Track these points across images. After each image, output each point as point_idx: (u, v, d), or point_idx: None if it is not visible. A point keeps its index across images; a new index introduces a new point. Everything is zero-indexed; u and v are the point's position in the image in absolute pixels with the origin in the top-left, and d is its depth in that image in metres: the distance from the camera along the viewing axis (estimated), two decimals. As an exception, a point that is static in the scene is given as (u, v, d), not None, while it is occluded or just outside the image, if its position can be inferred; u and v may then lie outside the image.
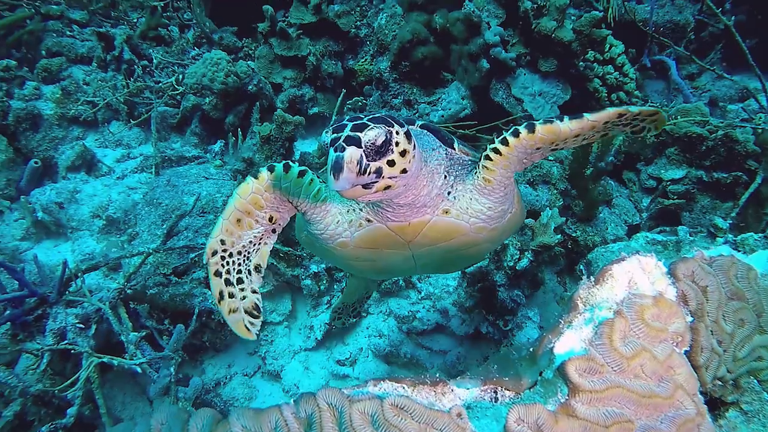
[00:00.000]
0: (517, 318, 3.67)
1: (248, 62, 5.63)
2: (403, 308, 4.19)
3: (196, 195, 3.66)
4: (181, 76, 5.60)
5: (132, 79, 5.75)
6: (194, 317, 3.27)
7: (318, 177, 1.93)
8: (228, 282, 1.93)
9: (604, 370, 0.97)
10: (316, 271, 4.11)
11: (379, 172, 1.57)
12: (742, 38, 6.30)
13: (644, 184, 4.42)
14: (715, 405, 1.31)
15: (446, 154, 1.90)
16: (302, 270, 4.10)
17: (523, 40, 4.43)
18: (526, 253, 3.38)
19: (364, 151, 1.54)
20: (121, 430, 1.13)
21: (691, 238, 3.34)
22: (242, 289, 1.96)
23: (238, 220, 1.91)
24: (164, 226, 3.70)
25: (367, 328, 4.21)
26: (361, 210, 1.90)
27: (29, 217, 4.69)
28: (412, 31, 4.51)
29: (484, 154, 1.83)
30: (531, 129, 1.72)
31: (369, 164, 1.55)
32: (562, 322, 1.09)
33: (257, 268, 2.00)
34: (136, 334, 3.00)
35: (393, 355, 4.05)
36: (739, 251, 3.27)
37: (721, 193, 4.16)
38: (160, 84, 5.64)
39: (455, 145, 1.94)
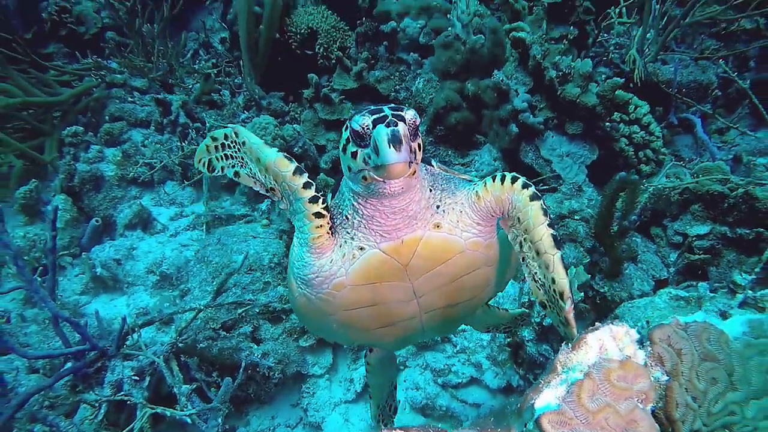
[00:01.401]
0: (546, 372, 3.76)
1: (294, 126, 6.02)
2: (439, 361, 4.33)
3: (244, 253, 3.94)
4: (230, 140, 6.01)
5: (186, 142, 6.21)
6: (241, 370, 3.49)
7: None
8: (220, 147, 2.07)
9: (573, 422, 1.15)
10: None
11: (415, 153, 1.67)
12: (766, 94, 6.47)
13: (671, 240, 4.51)
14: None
15: (426, 169, 1.96)
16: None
17: (549, 104, 4.67)
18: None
19: (408, 127, 1.63)
20: None
21: (711, 295, 3.43)
22: (218, 159, 2.09)
23: (259, 160, 1.92)
24: (214, 283, 3.98)
25: (405, 381, 4.35)
26: (352, 239, 1.91)
27: (89, 273, 5.05)
28: (446, 98, 4.82)
29: (498, 174, 1.92)
30: (512, 181, 1.86)
31: (411, 142, 1.64)
32: (542, 382, 1.26)
33: (236, 174, 2.08)
34: (187, 386, 3.23)
35: (429, 407, 4.17)
36: (760, 306, 3.38)
37: (746, 248, 4.23)
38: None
39: (433, 162, 2.03)
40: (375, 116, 1.63)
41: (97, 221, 5.40)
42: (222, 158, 2.08)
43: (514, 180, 1.88)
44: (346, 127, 1.76)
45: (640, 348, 1.40)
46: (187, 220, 5.56)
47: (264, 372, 3.87)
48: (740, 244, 4.34)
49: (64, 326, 3.70)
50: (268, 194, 2.01)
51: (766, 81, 6.70)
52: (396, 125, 1.58)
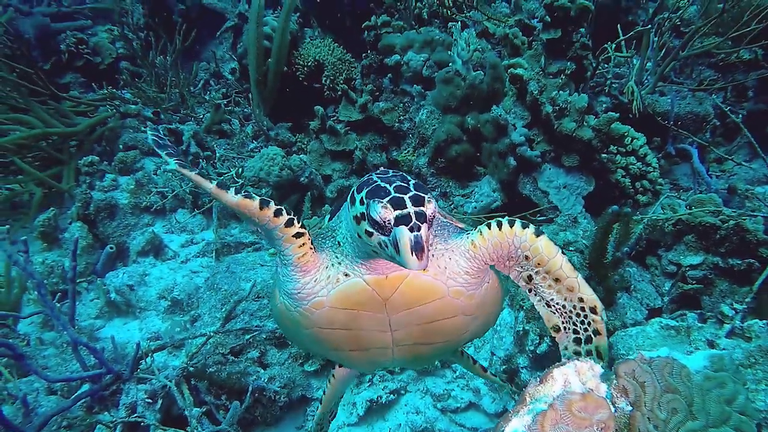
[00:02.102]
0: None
1: (301, 156, 6.24)
2: (439, 386, 4.46)
3: (252, 281, 4.13)
4: (240, 170, 6.25)
5: (197, 171, 6.43)
6: (248, 394, 3.65)
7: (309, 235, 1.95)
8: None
9: None
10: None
11: (428, 239, 1.64)
12: (764, 124, 6.64)
13: (665, 269, 4.64)
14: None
15: None
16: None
17: (546, 138, 4.86)
18: (545, 338, 3.67)
19: (428, 224, 1.61)
20: None
21: (700, 325, 3.57)
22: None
23: (215, 195, 1.87)
24: (223, 310, 4.16)
25: (406, 405, 4.48)
26: (339, 264, 1.93)
27: (103, 298, 5.25)
28: (446, 132, 5.02)
29: (494, 222, 1.95)
30: (510, 224, 1.91)
31: (428, 232, 1.61)
32: (512, 411, 1.42)
33: None
34: (198, 410, 3.40)
35: (428, 431, 4.30)
36: (746, 336, 3.52)
37: (738, 278, 4.35)
38: (223, 176, 6.29)
39: None
40: (397, 213, 1.58)
41: (111, 248, 5.62)
42: None
43: (511, 224, 1.93)
44: (363, 202, 1.68)
45: (603, 382, 1.56)
46: (197, 247, 5.76)
47: (270, 396, 4.02)
48: (732, 274, 4.46)
49: (81, 350, 3.89)
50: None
51: (763, 111, 6.89)
52: (419, 229, 1.55)
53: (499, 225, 1.93)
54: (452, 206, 5.11)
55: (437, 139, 5.07)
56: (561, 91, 4.91)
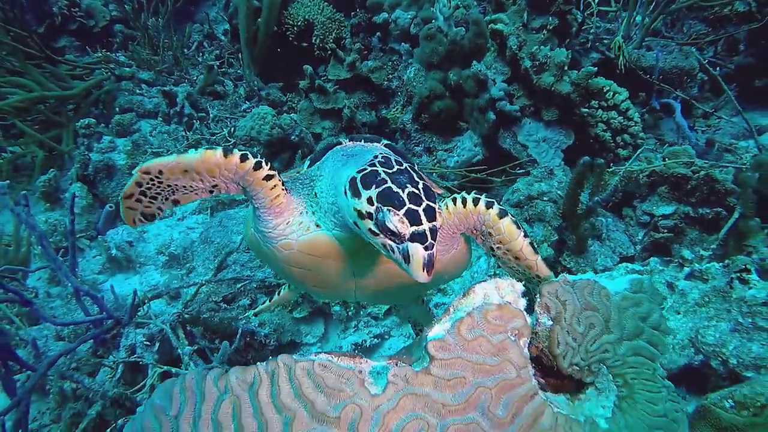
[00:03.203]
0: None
1: (291, 115, 6.40)
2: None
3: (242, 235, 4.35)
4: (233, 129, 6.42)
5: (191, 131, 6.62)
6: (238, 335, 3.92)
7: (282, 181, 1.96)
8: (143, 194, 1.95)
9: (452, 347, 1.51)
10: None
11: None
12: (753, 79, 6.69)
13: (639, 219, 4.82)
14: (580, 385, 1.83)
15: None
16: (333, 298, 4.70)
17: (526, 93, 4.99)
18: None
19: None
20: (168, 383, 1.63)
21: (661, 268, 3.77)
22: (151, 203, 1.99)
23: (185, 171, 1.86)
24: (216, 261, 4.41)
25: (389, 349, 4.76)
26: (313, 213, 1.97)
27: (105, 254, 5.51)
28: (429, 88, 5.16)
29: (458, 197, 1.98)
30: (475, 203, 1.94)
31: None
32: (436, 320, 1.64)
33: (175, 202, 2.01)
34: (190, 347, 3.67)
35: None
36: (704, 278, 3.73)
37: (707, 227, 4.53)
38: (215, 136, 6.47)
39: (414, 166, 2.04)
40: (413, 230, 1.58)
41: (110, 207, 5.84)
42: (151, 201, 2.00)
43: (476, 202, 1.95)
44: (371, 201, 1.64)
45: (523, 298, 1.76)
46: (193, 204, 5.98)
47: (261, 340, 4.29)
48: (702, 223, 4.64)
49: (84, 300, 4.16)
50: (213, 194, 2.00)
51: (752, 65, 6.93)
52: (432, 248, 1.58)
53: (464, 202, 1.96)
54: (435, 161, 5.29)
55: (420, 95, 5.21)
56: (542, 46, 5.01)
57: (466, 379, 1.53)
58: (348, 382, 1.52)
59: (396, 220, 1.59)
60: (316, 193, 1.98)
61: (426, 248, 1.58)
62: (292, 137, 6.03)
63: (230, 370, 1.54)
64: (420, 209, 1.60)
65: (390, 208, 1.59)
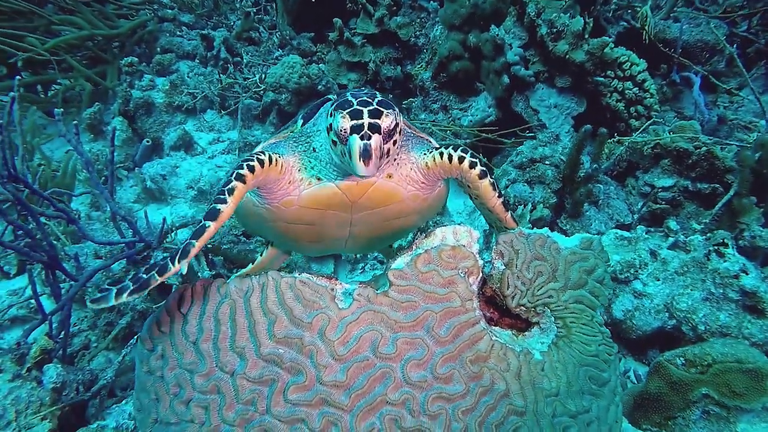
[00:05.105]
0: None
1: (320, 65, 6.68)
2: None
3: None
4: (263, 75, 6.74)
5: (225, 75, 6.98)
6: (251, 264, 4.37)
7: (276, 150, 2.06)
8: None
9: (408, 277, 1.86)
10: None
11: (388, 152, 1.82)
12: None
13: (641, 190, 5.02)
14: (528, 325, 2.17)
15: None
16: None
17: (542, 59, 5.15)
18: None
19: (382, 136, 1.75)
20: (181, 287, 1.97)
21: (646, 236, 4.03)
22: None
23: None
24: (239, 198, 4.82)
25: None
26: (312, 168, 2.05)
27: (140, 185, 6.00)
28: (449, 48, 5.37)
29: (446, 152, 2.13)
30: (460, 161, 2.12)
31: (384, 147, 1.77)
32: (399, 254, 1.99)
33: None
34: (210, 272, 4.14)
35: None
36: (687, 249, 3.97)
37: (704, 201, 4.72)
38: (247, 81, 6.81)
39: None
40: (353, 123, 1.73)
41: (148, 141, 6.30)
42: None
43: (461, 160, 2.12)
44: (332, 114, 1.83)
45: (477, 243, 2.09)
46: (222, 144, 6.41)
47: (274, 271, 4.75)
48: (700, 197, 4.81)
49: (120, 225, 4.64)
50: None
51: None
52: (369, 138, 1.70)
53: (450, 158, 2.12)
54: (450, 118, 5.54)
55: (440, 54, 5.43)
56: (562, 14, 5.13)
57: (417, 303, 1.90)
58: (321, 297, 1.91)
59: (340, 118, 1.76)
60: (314, 148, 2.08)
61: (362, 138, 1.70)
62: (319, 87, 6.33)
63: (230, 279, 1.94)
64: (365, 109, 1.75)
65: (339, 111, 1.78)
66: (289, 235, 2.40)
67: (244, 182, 1.91)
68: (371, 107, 1.77)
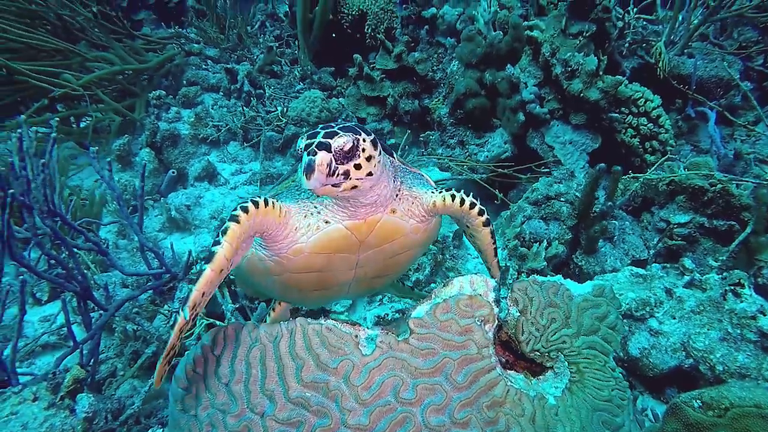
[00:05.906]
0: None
1: (340, 99, 6.88)
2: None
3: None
4: (285, 109, 6.96)
5: (248, 108, 7.21)
6: (274, 300, 4.49)
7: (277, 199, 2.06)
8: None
9: (428, 325, 1.97)
10: (373, 274, 5.22)
11: (346, 174, 1.81)
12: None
13: (656, 225, 5.08)
14: (542, 368, 2.26)
15: (390, 162, 2.12)
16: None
17: (557, 97, 5.30)
18: (521, 274, 4.30)
19: (333, 155, 1.76)
20: (215, 330, 2.05)
21: (662, 274, 4.09)
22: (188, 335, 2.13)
23: (221, 270, 1.86)
24: (261, 231, 4.97)
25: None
26: (319, 213, 2.06)
27: (165, 215, 6.17)
28: (465, 86, 5.53)
29: (458, 195, 2.27)
30: (471, 206, 2.31)
31: (337, 167, 1.78)
32: (419, 302, 2.11)
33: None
34: (232, 305, 4.27)
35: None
36: (703, 288, 4.01)
37: (721, 238, 4.76)
38: (269, 114, 7.03)
39: (394, 155, 2.24)
40: (307, 142, 1.79)
41: (173, 172, 6.51)
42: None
43: (472, 206, 2.31)
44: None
45: (493, 292, 2.20)
46: (245, 176, 6.60)
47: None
48: (716, 234, 4.85)
49: (147, 254, 4.80)
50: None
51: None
52: (315, 154, 1.73)
53: (462, 202, 2.26)
54: (467, 153, 5.67)
55: (457, 92, 5.59)
56: (577, 53, 5.28)
57: (436, 350, 2.01)
58: (346, 343, 2.03)
59: (300, 141, 1.84)
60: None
61: (308, 153, 1.74)
62: (339, 120, 6.51)
63: (260, 325, 2.07)
64: (323, 131, 1.80)
65: (303, 136, 1.85)
66: (294, 288, 2.36)
67: (239, 222, 1.88)
68: (330, 130, 1.82)
